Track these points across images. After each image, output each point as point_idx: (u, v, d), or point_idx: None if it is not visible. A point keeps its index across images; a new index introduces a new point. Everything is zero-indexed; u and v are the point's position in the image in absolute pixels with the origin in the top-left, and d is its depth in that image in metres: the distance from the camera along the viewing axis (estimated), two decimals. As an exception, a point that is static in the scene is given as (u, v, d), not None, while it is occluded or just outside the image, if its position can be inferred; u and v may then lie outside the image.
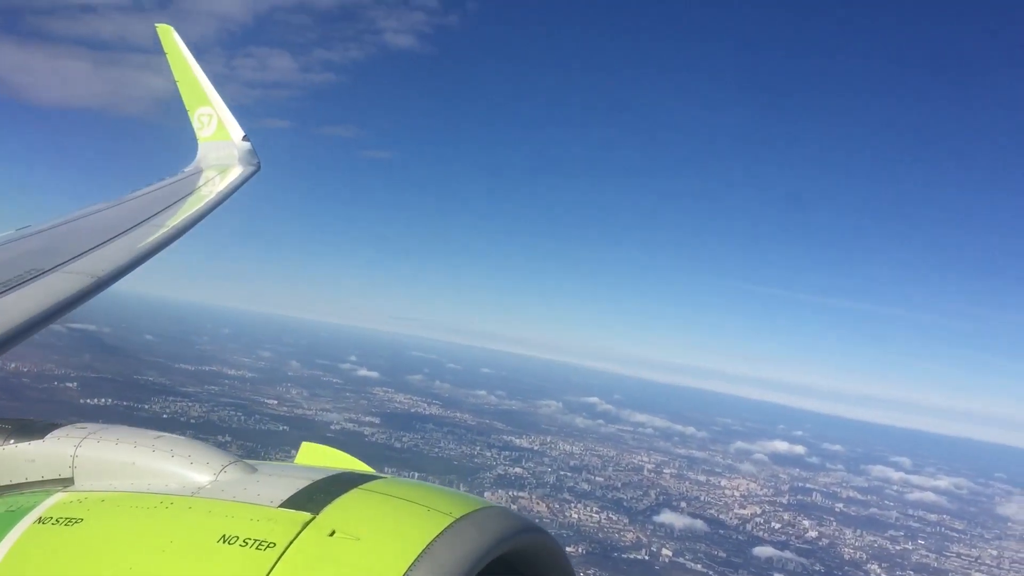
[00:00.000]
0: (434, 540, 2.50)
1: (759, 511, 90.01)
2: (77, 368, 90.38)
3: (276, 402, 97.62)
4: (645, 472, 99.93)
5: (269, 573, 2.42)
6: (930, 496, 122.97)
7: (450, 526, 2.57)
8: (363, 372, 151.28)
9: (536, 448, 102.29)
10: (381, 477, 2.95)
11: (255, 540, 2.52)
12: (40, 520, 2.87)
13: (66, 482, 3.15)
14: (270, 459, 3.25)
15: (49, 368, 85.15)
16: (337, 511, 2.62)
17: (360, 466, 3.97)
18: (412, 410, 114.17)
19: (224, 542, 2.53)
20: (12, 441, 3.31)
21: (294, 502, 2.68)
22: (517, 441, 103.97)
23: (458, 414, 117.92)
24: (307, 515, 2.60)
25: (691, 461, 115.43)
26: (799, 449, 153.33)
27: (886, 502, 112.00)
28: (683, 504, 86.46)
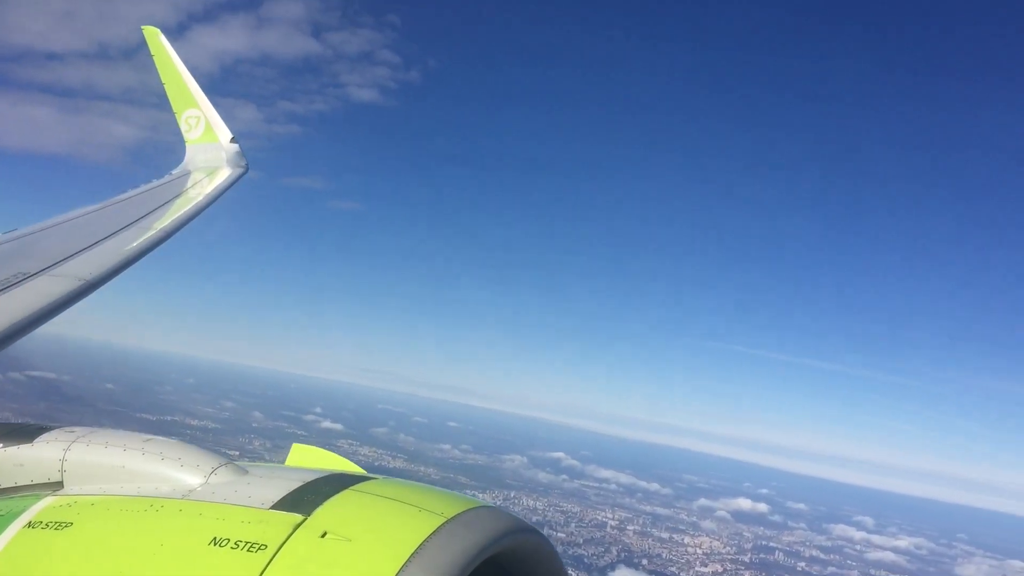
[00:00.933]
0: (426, 540, 2.52)
1: (721, 569, 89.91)
2: (34, 417, 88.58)
3: (238, 453, 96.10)
4: (608, 528, 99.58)
5: (261, 575, 2.44)
6: (890, 556, 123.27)
7: (442, 526, 2.59)
8: (327, 424, 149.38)
9: (499, 503, 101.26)
10: (373, 478, 2.97)
11: (246, 542, 2.54)
12: (30, 524, 2.88)
13: (56, 486, 3.17)
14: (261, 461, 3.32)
15: (5, 416, 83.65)
16: (328, 512, 2.64)
17: (351, 467, 3.99)
18: (376, 463, 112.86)
19: (215, 544, 2.55)
20: (1, 445, 3.33)
21: (285, 504, 2.71)
22: (480, 496, 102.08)
23: (422, 468, 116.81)
24: (298, 516, 2.63)
25: (655, 518, 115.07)
26: (762, 507, 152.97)
27: (848, 561, 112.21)
28: (644, 561, 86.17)
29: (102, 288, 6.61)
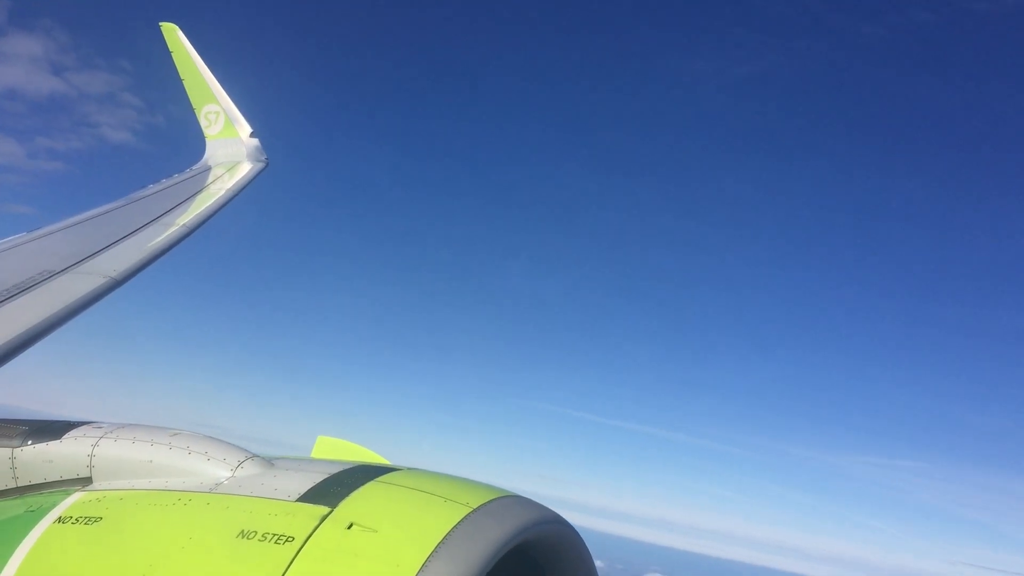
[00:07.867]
0: (452, 530, 2.55)
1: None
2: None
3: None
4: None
5: (288, 567, 2.51)
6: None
7: (467, 516, 2.61)
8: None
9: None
10: (398, 469, 3.00)
11: (274, 534, 2.59)
12: (60, 520, 2.98)
13: (84, 481, 3.21)
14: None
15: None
16: (355, 504, 2.69)
17: (377, 459, 3.96)
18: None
19: (243, 537, 2.62)
20: (30, 442, 3.36)
21: (312, 496, 2.75)
22: None
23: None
24: (325, 508, 2.67)
25: None
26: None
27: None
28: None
29: (126, 285, 6.58)
